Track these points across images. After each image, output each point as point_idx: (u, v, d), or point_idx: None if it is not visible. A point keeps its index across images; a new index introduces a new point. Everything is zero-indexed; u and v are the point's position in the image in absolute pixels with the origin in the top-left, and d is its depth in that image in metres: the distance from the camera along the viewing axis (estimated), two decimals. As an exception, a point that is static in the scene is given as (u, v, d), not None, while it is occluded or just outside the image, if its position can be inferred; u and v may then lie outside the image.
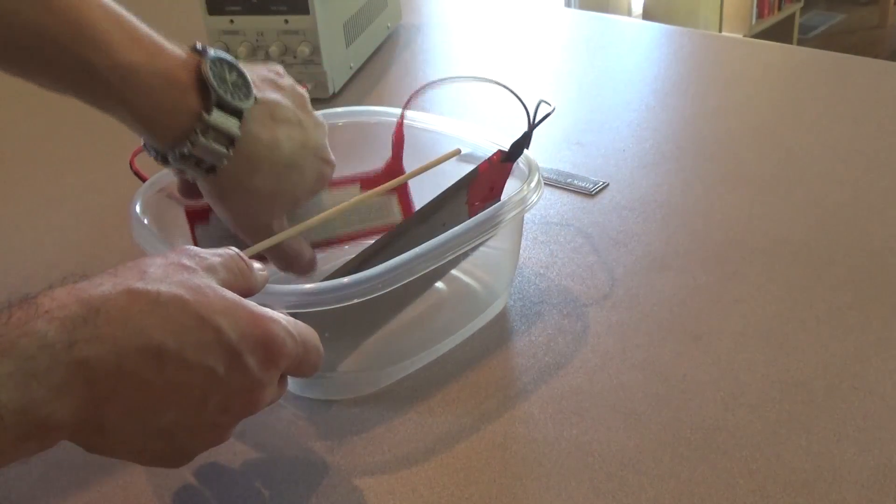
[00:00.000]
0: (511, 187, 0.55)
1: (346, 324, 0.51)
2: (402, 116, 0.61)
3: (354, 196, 0.57)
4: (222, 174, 0.50)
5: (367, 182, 0.61)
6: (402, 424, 0.49)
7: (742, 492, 0.43)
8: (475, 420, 0.49)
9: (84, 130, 0.90)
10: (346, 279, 0.45)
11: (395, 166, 0.61)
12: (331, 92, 0.93)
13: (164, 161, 0.51)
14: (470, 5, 1.25)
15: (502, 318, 0.57)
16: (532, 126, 0.54)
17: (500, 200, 0.55)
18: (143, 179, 0.69)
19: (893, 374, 0.50)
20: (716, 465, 0.45)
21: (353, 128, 0.65)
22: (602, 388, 0.51)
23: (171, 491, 0.46)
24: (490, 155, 0.55)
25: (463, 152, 0.59)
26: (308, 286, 0.45)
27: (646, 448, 0.46)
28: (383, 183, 0.59)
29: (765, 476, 0.44)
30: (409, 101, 0.60)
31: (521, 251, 0.64)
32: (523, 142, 0.54)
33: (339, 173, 0.59)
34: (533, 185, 0.52)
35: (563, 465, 0.46)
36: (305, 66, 0.91)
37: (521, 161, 0.55)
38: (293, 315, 0.46)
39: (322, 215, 0.55)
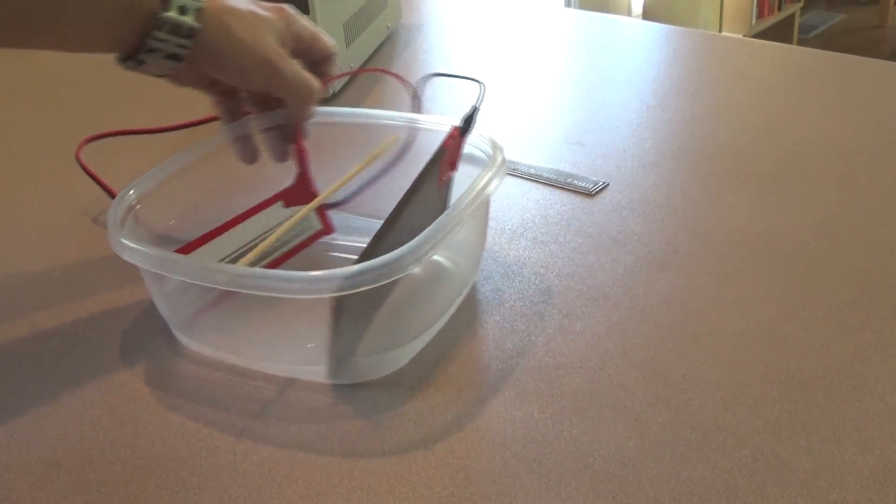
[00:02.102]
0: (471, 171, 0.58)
1: (359, 308, 0.52)
2: (298, 134, 0.63)
3: (280, 214, 0.62)
4: (205, 28, 0.55)
5: (288, 195, 0.63)
6: (401, 424, 0.49)
7: (742, 492, 0.43)
8: (475, 420, 0.49)
9: (84, 130, 0.90)
10: (382, 259, 0.46)
11: (305, 177, 0.64)
12: (331, 92, 0.93)
13: (140, 60, 0.55)
14: (470, 5, 1.25)
15: (502, 317, 0.57)
16: (478, 101, 0.57)
17: (456, 171, 0.58)
18: (89, 173, 0.72)
19: (893, 374, 0.50)
20: (716, 465, 0.45)
21: (354, 129, 0.65)
22: (602, 388, 0.51)
23: (170, 490, 0.46)
24: (449, 131, 0.57)
25: (416, 132, 0.63)
26: (349, 269, 0.46)
27: (646, 448, 0.46)
28: (301, 195, 0.63)
29: (765, 476, 0.44)
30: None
31: (520, 250, 0.64)
32: (473, 115, 0.57)
33: (325, 175, 0.60)
34: (498, 163, 0.56)
35: (563, 465, 0.46)
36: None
37: (483, 142, 0.59)
38: (340, 297, 0.48)
39: (279, 232, 0.59)
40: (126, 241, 0.52)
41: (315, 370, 0.53)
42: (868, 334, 0.53)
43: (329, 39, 0.63)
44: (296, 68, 0.59)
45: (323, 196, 0.61)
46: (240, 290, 0.48)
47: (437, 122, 0.63)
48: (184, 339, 0.57)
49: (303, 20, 0.62)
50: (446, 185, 0.58)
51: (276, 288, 0.47)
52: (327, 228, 0.66)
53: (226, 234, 0.60)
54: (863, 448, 0.45)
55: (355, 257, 0.49)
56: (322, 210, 0.65)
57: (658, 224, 0.66)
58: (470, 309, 0.58)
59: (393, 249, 0.47)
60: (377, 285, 0.46)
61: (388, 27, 1.12)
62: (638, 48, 1.04)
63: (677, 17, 3.42)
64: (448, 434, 0.49)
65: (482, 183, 0.53)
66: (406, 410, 0.50)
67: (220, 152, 0.63)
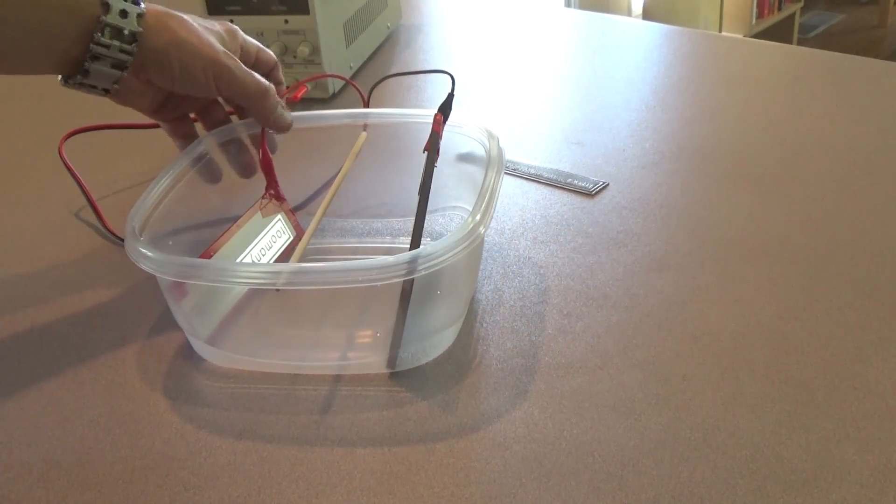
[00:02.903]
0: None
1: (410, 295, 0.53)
2: (263, 143, 0.62)
3: (258, 224, 0.62)
4: (148, 32, 0.55)
5: (262, 206, 0.63)
6: (401, 424, 0.49)
7: (742, 492, 0.43)
8: (475, 420, 0.49)
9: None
10: (442, 242, 0.47)
11: (273, 187, 0.63)
12: (331, 92, 0.93)
13: (85, 70, 0.55)
14: (470, 5, 1.25)
15: (502, 317, 0.57)
16: (452, 89, 0.60)
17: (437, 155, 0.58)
18: (70, 170, 0.73)
19: (893, 374, 0.50)
20: (716, 465, 0.45)
21: (354, 129, 0.65)
22: (602, 388, 0.51)
23: (170, 490, 0.46)
24: (433, 118, 0.58)
25: (402, 123, 0.64)
26: (423, 249, 0.47)
27: (646, 448, 0.47)
28: (275, 203, 0.63)
29: (765, 476, 0.44)
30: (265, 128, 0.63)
31: (520, 250, 0.64)
32: (449, 101, 0.59)
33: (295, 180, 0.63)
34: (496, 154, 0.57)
35: (563, 465, 0.46)
36: (305, 66, 0.91)
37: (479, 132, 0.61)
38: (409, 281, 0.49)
39: (301, 246, 0.58)
40: (172, 258, 0.50)
41: (369, 362, 0.53)
42: (868, 334, 0.53)
43: (270, 52, 0.65)
44: (245, 68, 0.59)
45: (328, 199, 0.61)
46: (306, 287, 0.49)
47: (413, 115, 0.64)
48: (212, 353, 0.56)
49: (245, 34, 0.63)
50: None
51: (349, 279, 0.47)
52: (299, 231, 0.66)
53: (222, 250, 0.60)
54: (863, 448, 0.45)
55: (354, 257, 0.49)
56: (294, 216, 0.65)
57: (658, 224, 0.66)
58: (470, 308, 0.58)
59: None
60: (455, 260, 0.47)
61: (388, 27, 1.12)
62: (638, 48, 1.04)
63: (677, 17, 3.42)
64: (448, 434, 0.49)
65: (496, 155, 0.57)
66: (406, 411, 0.50)
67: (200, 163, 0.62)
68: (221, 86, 0.58)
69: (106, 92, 0.57)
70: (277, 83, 0.65)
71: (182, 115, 0.64)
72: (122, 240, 0.65)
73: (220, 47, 0.58)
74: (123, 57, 0.55)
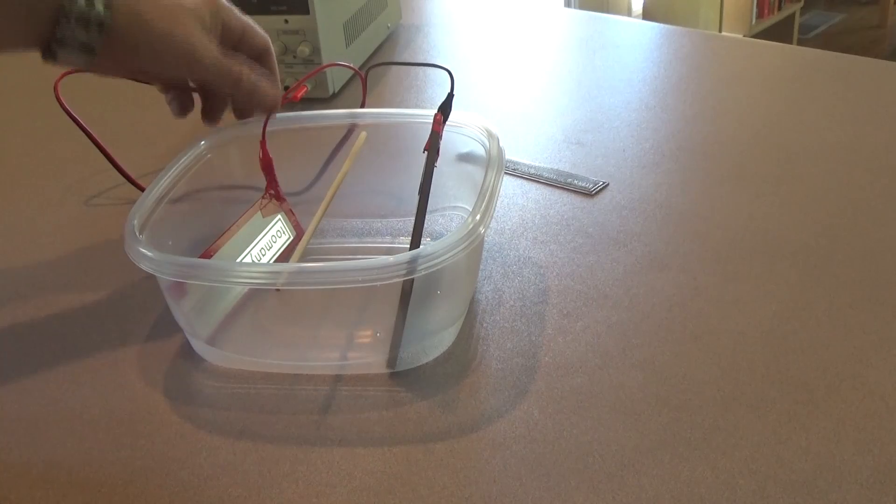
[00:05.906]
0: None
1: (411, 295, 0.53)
2: (263, 142, 0.62)
3: (258, 224, 0.62)
4: (116, 19, 0.53)
5: (262, 205, 0.63)
6: (401, 424, 0.49)
7: (742, 492, 0.43)
8: (475, 420, 0.49)
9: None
10: (442, 242, 0.47)
11: (274, 187, 0.64)
12: (331, 92, 0.93)
13: (53, 51, 0.53)
14: (470, 5, 1.25)
15: (502, 317, 0.57)
16: (452, 88, 0.60)
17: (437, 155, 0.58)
18: (68, 112, 0.74)
19: (893, 374, 0.50)
20: (716, 465, 0.45)
21: (354, 129, 0.65)
22: (602, 388, 0.51)
23: (170, 490, 0.46)
24: (433, 118, 0.58)
25: (403, 122, 0.64)
26: (424, 249, 0.47)
27: (646, 448, 0.47)
28: (275, 203, 0.64)
29: (765, 476, 0.44)
30: (266, 122, 0.63)
31: (520, 250, 0.64)
32: (449, 101, 0.59)
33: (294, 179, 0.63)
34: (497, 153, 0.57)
35: (563, 465, 0.46)
36: (305, 66, 0.91)
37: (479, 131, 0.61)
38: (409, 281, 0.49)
39: (298, 250, 0.58)
40: (172, 258, 0.49)
41: (369, 362, 0.53)
42: (868, 334, 0.53)
43: (262, 32, 0.62)
44: (217, 57, 0.57)
45: (328, 199, 0.61)
46: (306, 287, 0.49)
47: (413, 115, 0.64)
48: (212, 353, 0.56)
49: (234, 10, 0.60)
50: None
51: (349, 279, 0.46)
52: (299, 231, 0.66)
53: (222, 250, 0.60)
54: (863, 448, 0.45)
55: (354, 257, 0.49)
56: (294, 216, 0.65)
57: (658, 224, 0.66)
58: (470, 308, 0.58)
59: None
60: (455, 260, 0.47)
61: (388, 27, 1.12)
62: (638, 48, 1.04)
63: (677, 17, 3.42)
64: (448, 434, 0.49)
65: (496, 154, 0.56)
66: (406, 410, 0.50)
67: (199, 163, 0.62)
68: (193, 74, 0.58)
69: (81, 68, 0.56)
70: (269, 70, 0.63)
71: (179, 82, 0.63)
72: (142, 189, 0.64)
73: (194, 33, 0.56)
74: (91, 42, 0.53)
